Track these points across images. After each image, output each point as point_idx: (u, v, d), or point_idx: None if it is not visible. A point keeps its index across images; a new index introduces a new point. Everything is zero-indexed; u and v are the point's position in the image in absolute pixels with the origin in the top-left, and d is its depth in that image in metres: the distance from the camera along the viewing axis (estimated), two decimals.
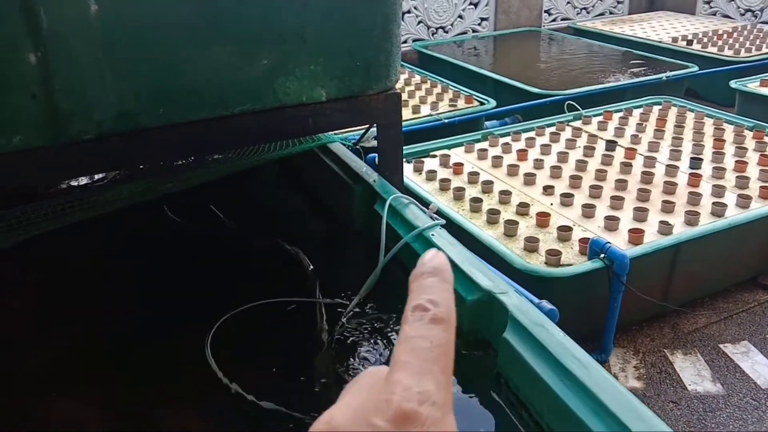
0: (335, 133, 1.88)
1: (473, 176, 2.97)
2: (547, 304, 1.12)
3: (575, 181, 2.91)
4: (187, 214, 1.82)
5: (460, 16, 5.94)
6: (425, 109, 3.85)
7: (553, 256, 2.37)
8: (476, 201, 2.72)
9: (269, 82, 1.40)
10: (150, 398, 1.24)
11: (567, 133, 3.49)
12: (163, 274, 1.58)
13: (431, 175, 3.03)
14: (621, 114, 3.75)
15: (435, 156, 3.24)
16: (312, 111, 1.47)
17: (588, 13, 6.74)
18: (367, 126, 1.75)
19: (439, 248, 1.26)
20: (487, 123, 3.94)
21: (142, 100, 1.30)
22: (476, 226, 2.56)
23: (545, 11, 6.43)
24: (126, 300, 1.50)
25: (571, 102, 3.77)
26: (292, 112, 1.45)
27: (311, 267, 1.51)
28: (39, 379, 1.28)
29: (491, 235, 2.49)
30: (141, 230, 1.77)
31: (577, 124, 3.62)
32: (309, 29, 1.40)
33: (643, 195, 2.80)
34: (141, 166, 1.83)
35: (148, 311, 1.44)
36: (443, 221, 1.37)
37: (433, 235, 1.31)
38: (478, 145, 3.33)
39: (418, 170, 3.08)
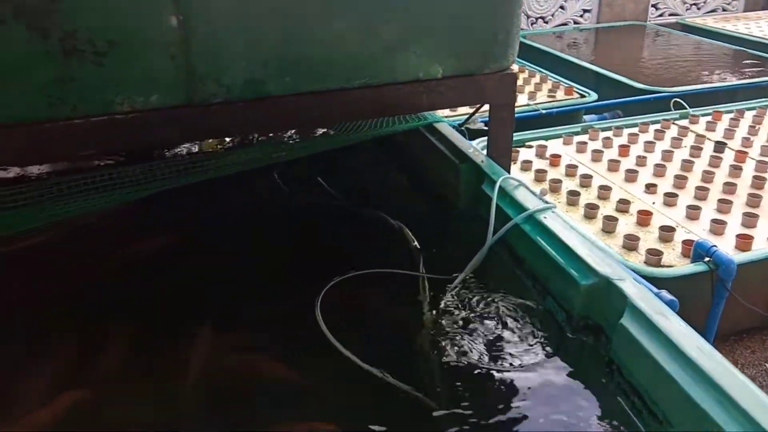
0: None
1: (571, 169, 2.90)
2: (667, 295, 1.09)
3: (680, 181, 2.79)
4: (294, 183, 1.88)
5: (562, 7, 5.78)
6: (522, 99, 3.78)
7: (654, 255, 2.28)
8: (573, 194, 2.66)
9: (390, 57, 1.42)
10: (258, 350, 1.29)
11: (672, 132, 3.34)
12: (273, 238, 1.64)
13: (526, 165, 2.98)
14: (732, 115, 3.55)
15: (531, 146, 3.18)
16: (427, 88, 1.48)
17: (698, 9, 6.40)
18: (476, 107, 1.74)
19: (551, 231, 1.25)
20: (585, 117, 3.82)
21: (270, 68, 1.36)
22: (573, 219, 2.50)
23: (652, 5, 6.15)
24: (237, 260, 1.56)
25: (678, 100, 3.60)
26: (407, 88, 1.47)
27: (415, 242, 1.53)
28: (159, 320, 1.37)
29: (588, 230, 2.42)
30: (253, 195, 1.85)
31: (684, 122, 3.46)
32: (432, 5, 1.41)
33: (754, 200, 2.64)
34: (257, 134, 1.90)
35: (258, 272, 1.51)
36: (555, 205, 1.35)
37: (545, 218, 1.29)
38: (577, 138, 3.24)
39: (513, 159, 3.03)
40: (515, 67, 1.56)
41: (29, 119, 1.29)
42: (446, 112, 3.15)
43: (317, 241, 1.63)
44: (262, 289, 1.44)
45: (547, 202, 1.35)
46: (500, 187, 1.41)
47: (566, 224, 1.26)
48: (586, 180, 2.80)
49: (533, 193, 1.40)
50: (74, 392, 1.16)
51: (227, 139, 2.19)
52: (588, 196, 2.71)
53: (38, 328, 1.36)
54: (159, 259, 1.59)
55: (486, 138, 1.66)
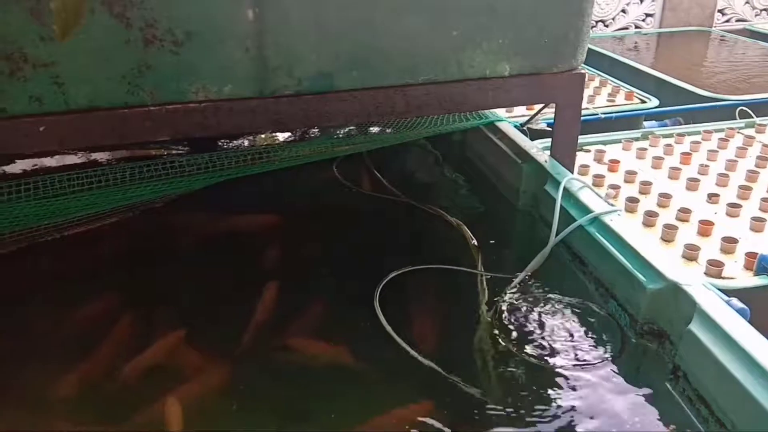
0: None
1: (630, 175, 2.83)
2: (737, 302, 1.06)
3: (744, 191, 2.69)
4: (354, 178, 1.90)
5: (623, 11, 5.66)
6: None
7: (715, 267, 2.21)
8: (632, 201, 2.60)
9: (456, 54, 1.43)
10: (318, 336, 1.31)
11: (737, 141, 3.23)
12: (333, 230, 1.67)
13: (584, 170, 2.93)
14: None
15: (589, 151, 3.13)
16: (493, 86, 1.48)
17: None
18: (541, 107, 1.73)
19: (618, 234, 1.23)
20: (645, 123, 3.74)
21: (340, 62, 1.38)
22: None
23: (719, 11, 5.95)
24: (297, 250, 1.59)
25: (744, 108, 3.48)
26: (473, 85, 1.47)
27: (473, 240, 1.53)
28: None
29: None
30: (314, 189, 1.88)
31: (750, 131, 3.34)
32: (501, 2, 1.40)
33: None
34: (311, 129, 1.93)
35: (318, 263, 1.54)
36: (621, 208, 1.33)
37: (611, 220, 1.28)
38: (636, 144, 3.17)
39: None
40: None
41: (108, 105, 1.35)
42: (501, 112, 3.13)
43: (376, 234, 1.65)
44: (321, 279, 1.47)
45: (612, 205, 1.34)
46: (564, 188, 1.40)
47: (634, 227, 1.24)
48: (645, 187, 2.74)
49: (599, 195, 1.39)
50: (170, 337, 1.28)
51: (287, 134, 2.24)
52: (647, 203, 2.65)
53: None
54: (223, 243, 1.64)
55: (547, 139, 1.64)
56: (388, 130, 1.99)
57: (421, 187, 1.91)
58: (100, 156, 2.11)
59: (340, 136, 2.08)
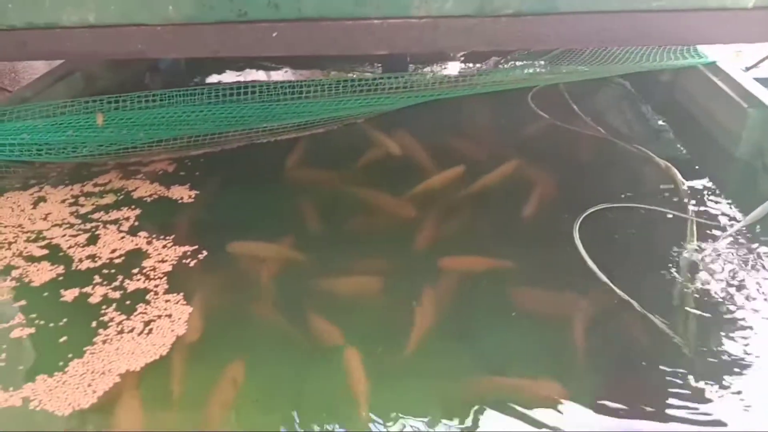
0: None
1: None
2: None
3: None
4: (549, 109, 1.85)
5: None
6: None
7: None
8: None
9: None
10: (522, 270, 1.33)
11: None
12: (529, 159, 1.64)
13: None
14: None
15: None
16: (733, 18, 1.34)
17: None
18: None
19: None
20: None
21: None
22: None
23: None
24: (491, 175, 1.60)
25: None
26: (711, 16, 1.34)
27: (684, 184, 1.44)
28: None
29: None
30: (509, 117, 1.86)
31: None
32: None
33: None
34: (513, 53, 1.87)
35: (517, 192, 1.53)
36: None
37: None
38: None
39: None
40: None
41: (336, 16, 1.41)
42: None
43: (575, 168, 1.61)
44: (519, 206, 1.47)
45: None
46: None
47: None
48: None
49: None
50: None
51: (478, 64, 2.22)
52: None
53: None
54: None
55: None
56: (583, 68, 1.90)
57: (622, 126, 1.81)
58: (301, 72, 2.25)
59: (537, 67, 2.03)
